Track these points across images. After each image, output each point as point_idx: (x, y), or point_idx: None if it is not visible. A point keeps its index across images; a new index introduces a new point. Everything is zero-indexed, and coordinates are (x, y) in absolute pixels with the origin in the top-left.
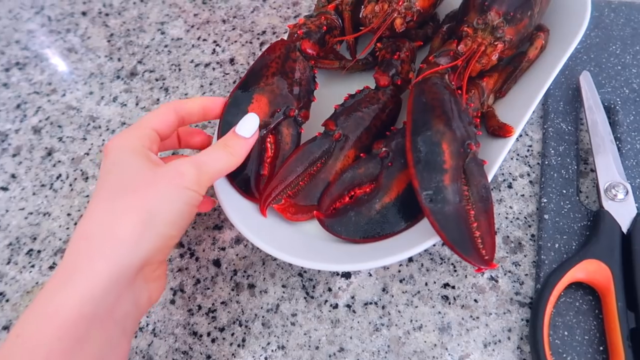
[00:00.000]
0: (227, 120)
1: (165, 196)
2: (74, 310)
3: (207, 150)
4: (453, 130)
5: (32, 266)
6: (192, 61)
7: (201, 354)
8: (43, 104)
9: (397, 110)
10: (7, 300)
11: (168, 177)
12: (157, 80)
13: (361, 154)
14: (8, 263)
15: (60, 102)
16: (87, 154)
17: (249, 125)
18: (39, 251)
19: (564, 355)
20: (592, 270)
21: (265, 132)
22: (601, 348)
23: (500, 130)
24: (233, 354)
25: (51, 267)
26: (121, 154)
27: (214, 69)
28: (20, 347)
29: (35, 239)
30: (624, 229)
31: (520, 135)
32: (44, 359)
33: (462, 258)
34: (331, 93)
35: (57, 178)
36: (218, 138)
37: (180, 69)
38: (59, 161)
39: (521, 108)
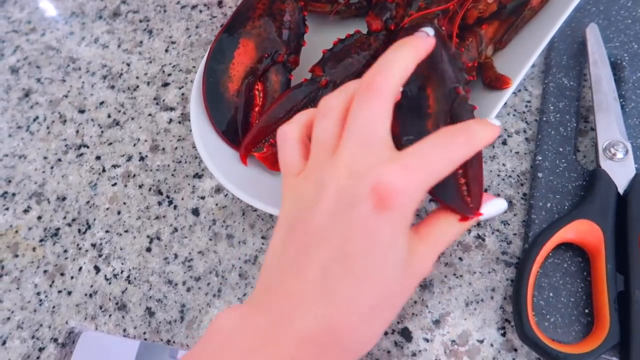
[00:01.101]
0: (212, 67)
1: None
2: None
3: (440, 223)
4: (439, 74)
5: (7, 209)
6: (178, 2)
7: (176, 302)
8: (21, 43)
9: None
10: None
11: (413, 283)
12: (140, 21)
13: None
14: None
15: (40, 42)
16: (66, 96)
17: (494, 210)
18: (13, 194)
19: (548, 317)
20: (583, 230)
21: (252, 79)
22: (586, 311)
23: (497, 82)
24: (208, 304)
25: (26, 211)
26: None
27: (200, 11)
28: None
29: (10, 181)
30: (621, 190)
31: (519, 90)
32: None
33: (444, 205)
34: (322, 39)
35: (34, 120)
36: (200, 85)
37: (165, 10)
38: (37, 103)
39: (521, 60)
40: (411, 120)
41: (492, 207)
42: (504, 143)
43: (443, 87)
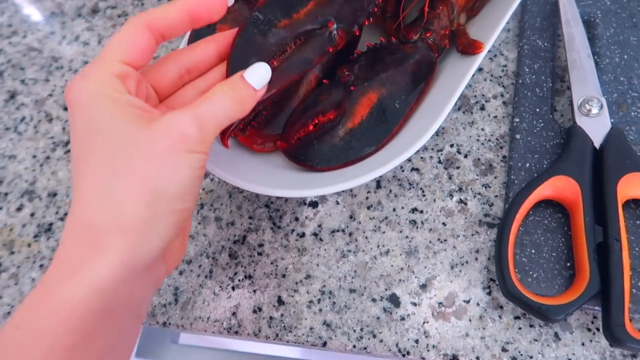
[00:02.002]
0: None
1: (169, 168)
2: (81, 305)
3: (208, 97)
4: (330, 0)
5: (0, 208)
6: None
7: (169, 286)
8: (4, 47)
9: (360, 33)
10: None
11: (167, 142)
12: (119, 16)
13: (324, 80)
14: None
15: (22, 44)
16: (51, 95)
17: (260, 76)
18: (6, 194)
19: (531, 272)
20: (560, 186)
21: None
22: (568, 264)
23: (469, 48)
24: (200, 285)
25: (19, 209)
26: (96, 109)
27: None
28: (19, 340)
29: (1, 182)
30: (597, 144)
31: (495, 55)
32: (45, 355)
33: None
34: None
35: (22, 121)
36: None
37: (143, 4)
38: (23, 104)
39: (492, 25)
40: (274, 8)
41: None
42: (482, 108)
43: (323, 10)
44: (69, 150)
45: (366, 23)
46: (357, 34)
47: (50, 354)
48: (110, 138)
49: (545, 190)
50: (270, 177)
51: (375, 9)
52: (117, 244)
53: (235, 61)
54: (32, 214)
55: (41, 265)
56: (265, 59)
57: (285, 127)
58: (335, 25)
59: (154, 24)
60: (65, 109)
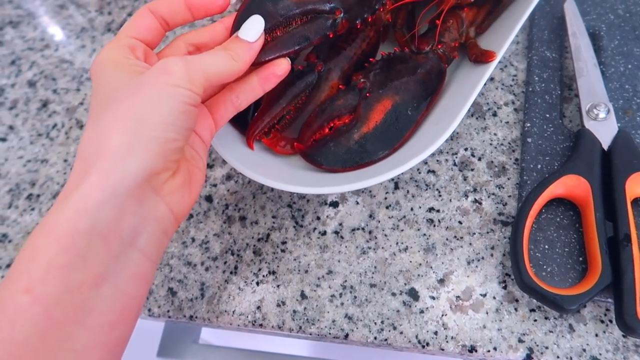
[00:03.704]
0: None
1: (151, 98)
2: (69, 224)
3: (204, 53)
4: None
5: (32, 209)
6: None
7: (195, 281)
8: (37, 59)
9: (378, 41)
10: (9, 241)
11: (153, 77)
12: None
13: (341, 86)
14: (9, 207)
15: (54, 57)
16: (82, 103)
17: (253, 28)
18: (38, 195)
19: (545, 267)
20: (571, 184)
21: None
22: (580, 258)
23: (482, 56)
24: (226, 280)
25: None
26: (104, 70)
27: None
28: (22, 260)
29: (34, 184)
30: (605, 146)
31: (505, 66)
32: (42, 273)
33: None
34: None
35: (53, 127)
36: None
37: None
38: (54, 111)
39: (503, 36)
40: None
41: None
42: (495, 115)
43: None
44: None
45: (369, 19)
46: (359, 26)
47: (47, 272)
48: (109, 85)
49: (557, 188)
50: (292, 176)
51: (381, 9)
52: (98, 167)
53: (242, 20)
54: None
55: None
56: (270, 25)
57: (301, 129)
58: (342, 15)
59: (155, 10)
60: None
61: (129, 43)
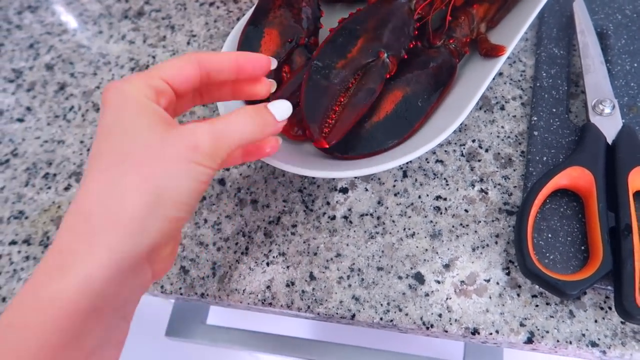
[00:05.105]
0: None
1: (172, 176)
2: (71, 304)
3: (231, 114)
4: (377, 35)
5: (49, 188)
6: (197, 0)
7: (207, 260)
8: (55, 43)
9: None
10: (26, 218)
11: (178, 148)
12: (163, 19)
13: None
14: (26, 185)
15: (71, 41)
16: (98, 87)
17: (282, 110)
18: (54, 174)
19: (547, 254)
20: (575, 176)
21: (280, 62)
22: (582, 247)
23: (492, 51)
24: (237, 260)
25: (66, 189)
26: (124, 110)
27: (218, 7)
28: (10, 338)
29: (50, 164)
30: (609, 140)
31: (514, 62)
32: (34, 355)
33: (305, 124)
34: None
35: (70, 109)
36: None
37: (185, 8)
38: (72, 94)
39: (513, 31)
40: (330, 53)
41: (278, 106)
42: (502, 108)
43: (371, 44)
44: None
45: (411, 46)
46: (405, 57)
47: (38, 353)
48: (129, 137)
49: (562, 179)
50: (303, 161)
51: (416, 32)
52: (109, 238)
53: (308, 104)
54: None
55: None
56: (333, 99)
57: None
58: (386, 54)
59: (205, 63)
60: None
61: (159, 86)
